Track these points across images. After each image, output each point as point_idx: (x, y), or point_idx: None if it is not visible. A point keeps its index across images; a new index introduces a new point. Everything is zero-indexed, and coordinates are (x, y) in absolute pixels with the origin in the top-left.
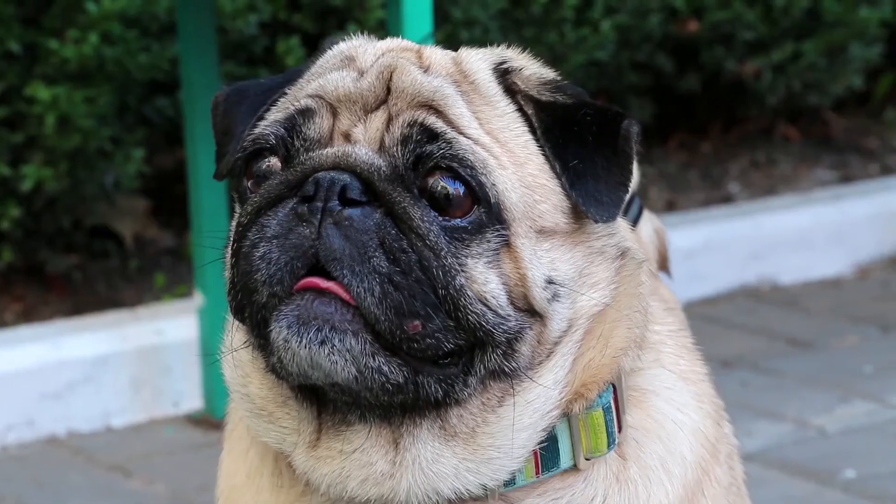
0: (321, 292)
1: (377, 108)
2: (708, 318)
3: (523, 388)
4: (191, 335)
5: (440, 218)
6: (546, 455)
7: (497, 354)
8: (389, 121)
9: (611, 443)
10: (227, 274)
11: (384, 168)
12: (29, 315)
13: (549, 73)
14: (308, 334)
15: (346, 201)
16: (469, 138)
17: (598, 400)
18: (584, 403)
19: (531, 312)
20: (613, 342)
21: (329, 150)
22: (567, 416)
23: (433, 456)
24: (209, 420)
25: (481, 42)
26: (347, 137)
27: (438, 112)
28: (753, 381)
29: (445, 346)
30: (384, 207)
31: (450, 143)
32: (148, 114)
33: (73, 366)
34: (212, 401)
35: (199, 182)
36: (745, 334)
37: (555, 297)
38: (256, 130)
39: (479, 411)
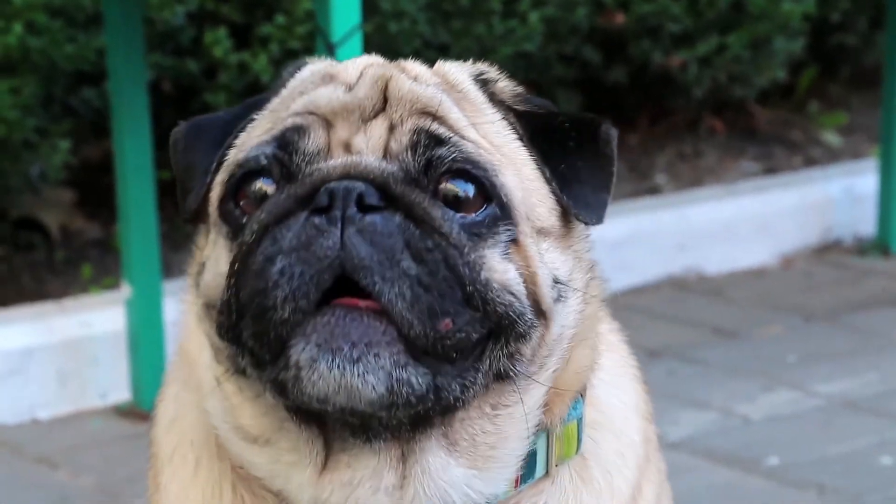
0: (350, 308)
1: (374, 117)
2: (634, 308)
3: (523, 392)
4: (118, 327)
5: (457, 215)
6: (524, 466)
7: (508, 348)
8: (391, 129)
9: (578, 447)
10: (212, 297)
11: (397, 173)
12: None
13: (518, 87)
14: (342, 353)
15: (365, 208)
16: (471, 142)
17: (573, 412)
18: (560, 414)
19: (538, 313)
20: (587, 355)
21: (337, 161)
22: (547, 428)
23: (442, 465)
24: (136, 412)
25: (409, 33)
26: (347, 148)
27: (439, 119)
28: (679, 371)
29: (473, 338)
30: (402, 211)
31: (458, 146)
32: (74, 105)
33: None
34: (139, 392)
35: (126, 173)
36: (671, 324)
37: (559, 297)
38: (242, 155)
39: (478, 418)
